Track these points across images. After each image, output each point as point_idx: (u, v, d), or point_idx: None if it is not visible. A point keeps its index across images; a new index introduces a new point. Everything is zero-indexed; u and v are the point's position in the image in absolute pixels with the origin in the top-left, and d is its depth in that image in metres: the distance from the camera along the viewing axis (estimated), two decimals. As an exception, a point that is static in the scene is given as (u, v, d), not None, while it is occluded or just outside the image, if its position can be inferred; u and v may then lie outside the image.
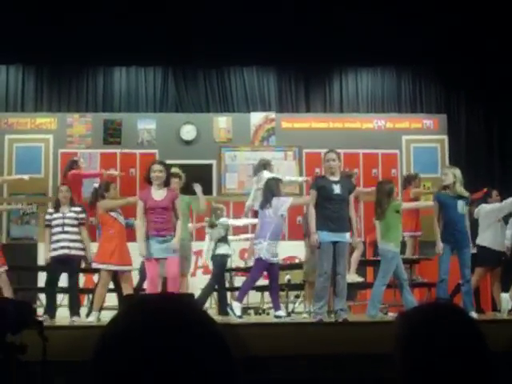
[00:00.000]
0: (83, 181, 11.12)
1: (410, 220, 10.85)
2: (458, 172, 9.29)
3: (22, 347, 3.04)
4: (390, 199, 9.19)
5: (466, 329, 1.70)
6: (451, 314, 1.75)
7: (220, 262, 10.42)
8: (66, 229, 9.40)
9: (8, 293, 8.95)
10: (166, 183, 8.83)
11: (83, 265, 9.76)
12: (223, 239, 10.50)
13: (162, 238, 8.65)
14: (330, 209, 8.52)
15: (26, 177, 10.85)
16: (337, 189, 8.60)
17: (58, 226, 9.42)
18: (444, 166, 12.02)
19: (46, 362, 2.91)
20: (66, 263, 9.36)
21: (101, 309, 9.39)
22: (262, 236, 9.22)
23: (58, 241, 9.37)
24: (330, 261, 8.46)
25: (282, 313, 9.28)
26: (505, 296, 10.08)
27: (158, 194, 8.72)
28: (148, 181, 8.83)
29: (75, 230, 9.44)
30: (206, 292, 10.33)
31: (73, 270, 9.42)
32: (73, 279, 9.40)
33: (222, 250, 10.43)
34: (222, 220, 10.60)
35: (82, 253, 9.43)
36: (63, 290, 9.67)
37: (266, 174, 10.38)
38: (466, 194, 9.29)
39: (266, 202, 9.34)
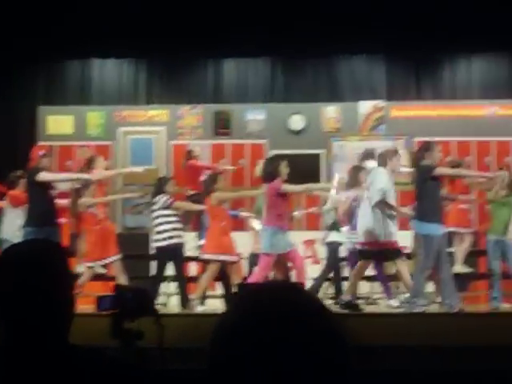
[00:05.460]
0: (202, 171, 11.41)
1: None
2: None
3: (139, 333, 3.10)
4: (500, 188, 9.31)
5: None
6: None
7: (332, 249, 10.34)
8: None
9: (122, 281, 9.16)
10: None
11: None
12: (334, 226, 10.39)
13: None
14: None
15: (140, 169, 11.00)
16: None
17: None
18: None
19: (163, 348, 2.98)
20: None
21: (204, 297, 9.59)
22: None
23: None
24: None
25: (395, 302, 9.20)
26: None
27: None
28: (277, 175, 8.77)
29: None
30: (319, 281, 10.28)
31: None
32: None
33: (334, 237, 10.35)
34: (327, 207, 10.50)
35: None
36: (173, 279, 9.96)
37: (370, 164, 10.26)
38: None
39: None
